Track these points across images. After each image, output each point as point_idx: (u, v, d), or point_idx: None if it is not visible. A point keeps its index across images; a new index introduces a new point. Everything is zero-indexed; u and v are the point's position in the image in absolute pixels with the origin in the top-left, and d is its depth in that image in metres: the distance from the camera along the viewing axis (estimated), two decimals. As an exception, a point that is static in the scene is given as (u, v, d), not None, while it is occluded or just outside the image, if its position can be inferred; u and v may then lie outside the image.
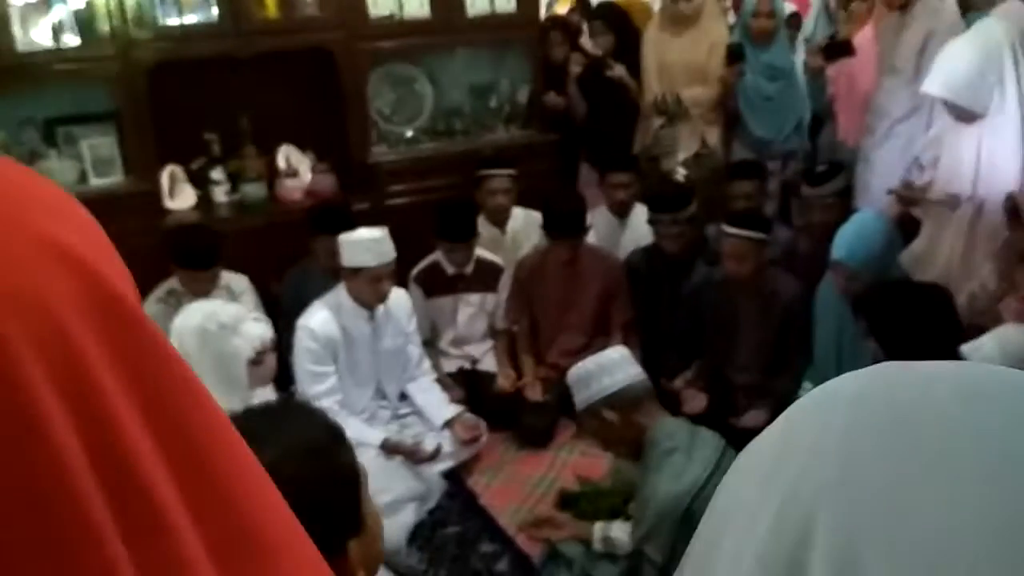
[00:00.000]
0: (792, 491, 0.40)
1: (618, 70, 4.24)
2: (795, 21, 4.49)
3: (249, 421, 1.19)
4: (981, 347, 2.28)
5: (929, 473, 0.38)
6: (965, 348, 2.29)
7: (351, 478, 1.17)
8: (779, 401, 3.24)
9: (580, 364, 2.37)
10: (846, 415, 0.42)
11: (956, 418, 0.39)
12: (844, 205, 3.48)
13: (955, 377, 0.42)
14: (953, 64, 2.78)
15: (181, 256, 3.32)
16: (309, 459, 1.13)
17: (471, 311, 3.81)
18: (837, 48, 4.03)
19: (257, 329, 2.49)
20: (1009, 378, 0.42)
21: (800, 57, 4.47)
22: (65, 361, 0.36)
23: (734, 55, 4.08)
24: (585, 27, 4.72)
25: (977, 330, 2.60)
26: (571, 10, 4.84)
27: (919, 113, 3.24)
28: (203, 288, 3.34)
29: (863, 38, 3.91)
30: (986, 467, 0.37)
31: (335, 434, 1.20)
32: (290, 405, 1.37)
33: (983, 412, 0.39)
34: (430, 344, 3.75)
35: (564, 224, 3.57)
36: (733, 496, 0.46)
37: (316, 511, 1.11)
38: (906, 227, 3.17)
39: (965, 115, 2.82)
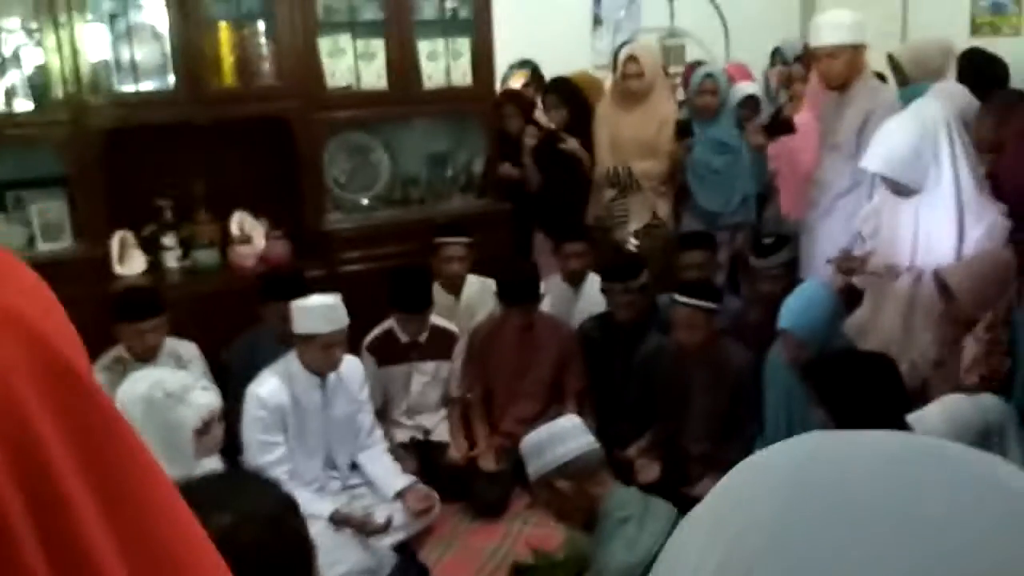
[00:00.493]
0: (728, 556, 0.42)
1: (571, 143, 4.34)
2: (751, 103, 4.64)
3: (205, 487, 1.18)
4: (926, 416, 2.32)
5: (856, 542, 0.40)
6: (911, 417, 2.33)
7: (306, 548, 1.16)
8: (730, 469, 3.25)
9: (533, 433, 2.37)
10: (779, 485, 0.43)
11: (881, 489, 0.41)
12: (790, 276, 3.56)
13: (881, 447, 0.44)
14: (891, 141, 2.90)
15: (123, 309, 3.28)
16: (266, 526, 1.12)
17: (425, 380, 3.79)
18: (778, 126, 4.17)
19: (204, 398, 2.45)
20: (930, 448, 0.44)
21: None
22: (10, 424, 0.36)
23: (683, 131, 4.21)
24: (539, 101, 4.83)
25: (920, 397, 2.67)
26: (525, 84, 4.96)
27: (860, 187, 3.35)
28: (149, 350, 3.29)
29: (804, 117, 4.05)
30: (910, 535, 0.39)
31: (290, 503, 1.19)
32: (245, 473, 1.37)
33: (906, 481, 0.42)
34: (382, 414, 3.71)
35: (518, 292, 3.60)
36: (674, 559, 0.47)
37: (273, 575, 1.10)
38: (850, 297, 3.25)
39: (903, 190, 2.92)
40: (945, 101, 3.05)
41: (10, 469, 0.35)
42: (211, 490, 1.16)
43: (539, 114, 4.82)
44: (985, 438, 2.24)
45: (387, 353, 3.72)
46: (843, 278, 3.27)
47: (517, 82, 4.89)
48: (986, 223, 2.82)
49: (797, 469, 0.44)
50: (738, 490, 0.46)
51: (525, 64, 4.96)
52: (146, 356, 3.31)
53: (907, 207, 2.94)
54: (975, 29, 5.45)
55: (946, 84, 3.56)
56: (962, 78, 3.82)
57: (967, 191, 2.83)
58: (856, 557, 0.39)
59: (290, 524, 1.17)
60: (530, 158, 4.47)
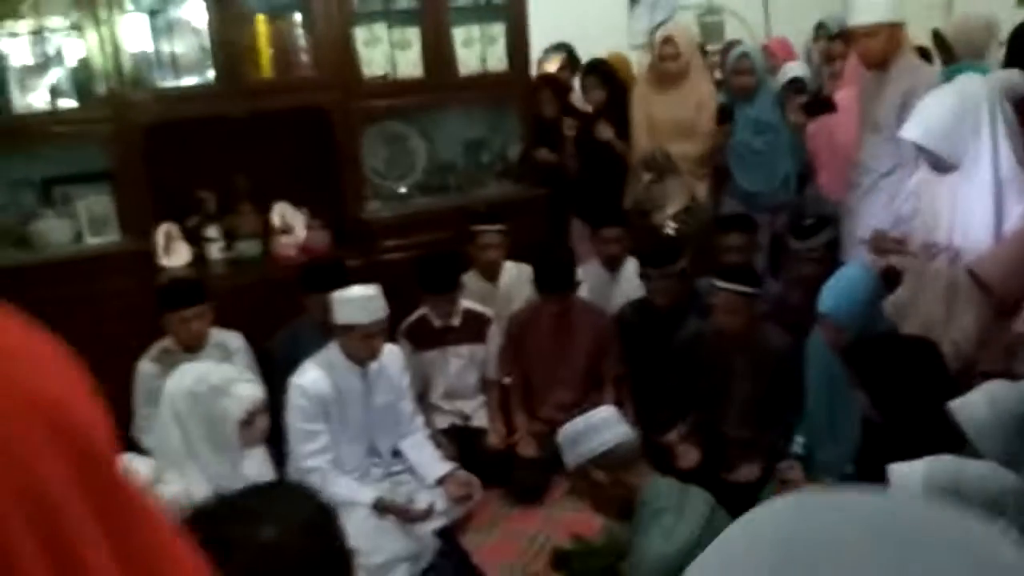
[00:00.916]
0: None
1: (606, 132, 4.32)
2: (798, 84, 4.57)
3: (250, 500, 1.21)
4: (969, 403, 2.28)
5: None
6: (954, 404, 2.29)
7: (346, 555, 1.20)
8: (770, 455, 3.24)
9: (569, 424, 2.38)
10: (763, 555, 0.45)
11: (858, 564, 0.42)
12: (831, 258, 3.52)
13: (868, 519, 0.45)
14: (931, 112, 2.84)
15: (168, 298, 3.35)
16: (309, 537, 1.16)
17: (461, 363, 3.82)
18: (819, 105, 4.10)
19: (248, 390, 2.50)
20: (919, 519, 0.44)
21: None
22: (42, 513, 0.38)
23: (724, 116, 4.17)
24: (576, 84, 4.81)
25: (965, 382, 2.62)
26: (560, 68, 4.92)
27: (902, 168, 3.28)
28: (195, 338, 3.36)
29: (845, 95, 3.98)
30: None
31: (329, 512, 1.23)
32: (285, 484, 1.40)
33: (884, 558, 0.42)
34: (421, 399, 3.75)
35: (554, 280, 3.60)
36: None
37: None
38: (891, 279, 3.19)
39: (940, 164, 2.86)
40: (990, 78, 2.98)
41: (40, 553, 0.38)
42: (255, 502, 1.19)
43: (575, 98, 4.80)
44: (1029, 425, 2.20)
45: (422, 338, 3.76)
46: (882, 259, 3.22)
47: (552, 66, 4.86)
48: None
49: (782, 538, 0.45)
50: (723, 556, 0.47)
51: (560, 47, 4.92)
52: (193, 346, 3.39)
53: (945, 185, 2.88)
54: (1021, 2, 5.28)
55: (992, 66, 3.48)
56: (1011, 53, 3.72)
57: (1006, 168, 2.76)
58: None
59: (332, 533, 1.20)
60: (572, 146, 4.45)
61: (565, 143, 4.46)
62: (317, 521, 1.20)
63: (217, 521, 1.16)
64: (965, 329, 2.86)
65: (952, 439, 2.26)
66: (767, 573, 0.44)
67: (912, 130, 2.86)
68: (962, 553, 0.42)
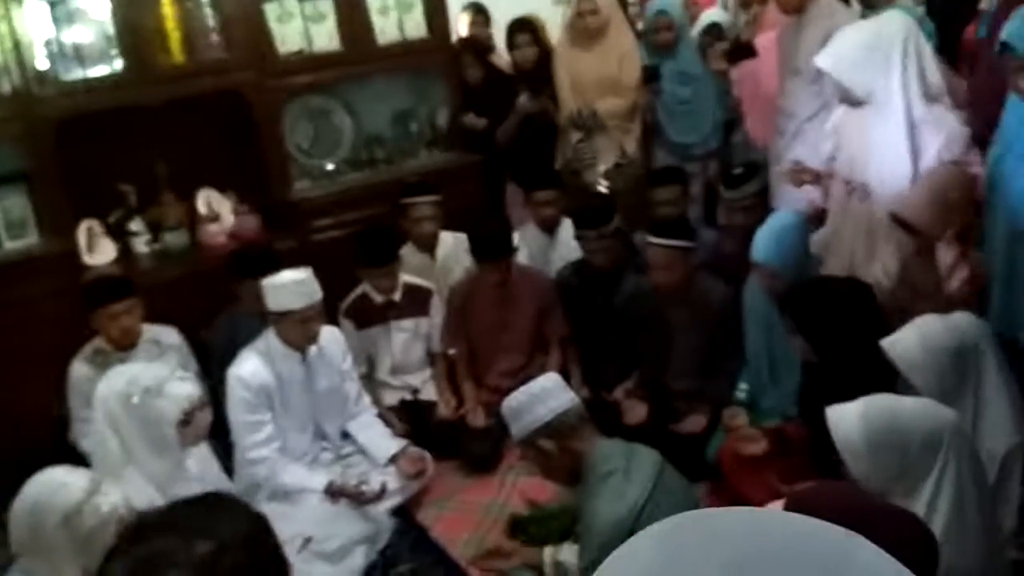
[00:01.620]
0: None
1: (532, 103, 4.26)
2: (715, 31, 4.58)
3: (180, 513, 1.18)
4: (902, 339, 2.32)
5: None
6: (886, 341, 2.34)
7: (283, 566, 1.18)
8: (716, 404, 3.29)
9: (512, 395, 2.37)
10: None
11: None
12: (764, 205, 3.54)
13: (735, 551, 0.45)
14: (845, 43, 2.86)
15: (94, 295, 3.27)
16: (246, 549, 1.13)
17: (405, 337, 3.79)
18: (740, 51, 4.11)
19: (183, 389, 2.45)
20: (780, 551, 0.44)
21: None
22: None
23: (649, 76, 4.16)
24: (496, 44, 4.75)
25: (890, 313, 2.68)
26: (472, 23, 4.82)
27: (825, 111, 3.31)
28: (127, 335, 3.28)
29: (765, 39, 3.99)
30: None
31: (263, 522, 1.20)
32: (218, 495, 1.37)
33: None
34: (368, 376, 3.72)
35: (491, 248, 3.57)
36: None
37: None
38: (819, 219, 3.24)
39: (850, 97, 2.89)
40: (910, 18, 2.99)
41: None
42: (190, 516, 1.17)
43: (496, 57, 4.74)
44: (961, 358, 2.25)
45: (364, 315, 3.71)
46: (812, 202, 3.25)
47: (463, 24, 4.78)
48: (944, 134, 2.79)
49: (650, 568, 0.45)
50: None
51: (468, 6, 4.84)
52: (125, 343, 3.30)
53: (860, 123, 2.91)
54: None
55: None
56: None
57: (917, 106, 2.79)
58: None
59: (267, 544, 1.18)
60: (516, 121, 4.37)
61: (507, 116, 4.38)
62: (252, 533, 1.17)
63: (151, 536, 1.13)
64: (886, 266, 2.91)
65: (888, 376, 2.31)
66: None
67: (824, 59, 2.88)
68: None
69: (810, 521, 0.46)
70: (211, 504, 1.25)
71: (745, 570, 0.43)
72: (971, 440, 2.01)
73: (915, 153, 2.77)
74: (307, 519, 2.91)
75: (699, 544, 0.46)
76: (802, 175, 3.14)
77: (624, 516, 2.14)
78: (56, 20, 3.64)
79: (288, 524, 2.86)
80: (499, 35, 4.79)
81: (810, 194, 3.18)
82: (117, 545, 1.14)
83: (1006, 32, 2.43)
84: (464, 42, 4.65)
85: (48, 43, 3.64)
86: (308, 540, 2.81)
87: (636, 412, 3.38)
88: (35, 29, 3.56)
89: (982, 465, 2.00)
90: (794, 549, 0.44)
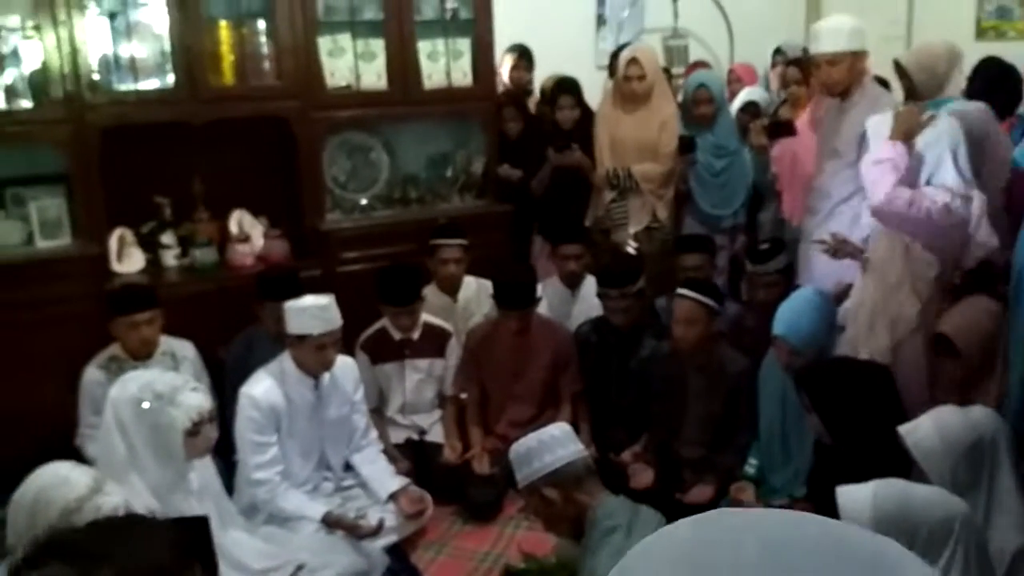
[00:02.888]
0: None
1: (576, 156, 4.32)
2: (752, 109, 4.64)
3: (92, 536, 1.12)
4: (919, 427, 2.30)
5: None
6: (903, 429, 2.31)
7: None
8: (725, 476, 3.25)
9: (522, 440, 2.35)
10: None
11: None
12: (787, 281, 3.54)
13: (765, 543, 0.45)
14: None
15: (118, 303, 3.29)
16: None
17: (419, 377, 3.79)
18: (780, 128, 4.15)
19: (195, 399, 2.46)
20: (816, 539, 0.44)
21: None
22: None
23: (685, 147, 4.21)
24: (534, 86, 4.82)
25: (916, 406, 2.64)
26: (514, 67, 4.90)
27: (861, 194, 3.32)
28: (145, 345, 3.31)
29: (805, 120, 4.03)
30: None
31: (182, 556, 1.11)
32: (143, 521, 1.28)
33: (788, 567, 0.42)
34: (378, 412, 3.72)
35: (515, 296, 3.59)
36: None
37: None
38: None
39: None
40: (960, 121, 2.96)
41: None
42: (97, 540, 1.09)
43: (533, 105, 4.82)
44: (977, 452, 2.23)
45: (380, 351, 3.72)
46: (840, 283, 3.24)
47: (505, 67, 4.86)
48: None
49: (679, 564, 0.45)
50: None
51: (513, 48, 4.92)
52: (142, 353, 3.33)
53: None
54: (980, 33, 5.42)
55: (965, 104, 3.52)
56: (973, 86, 3.78)
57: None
58: None
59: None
60: (548, 171, 4.43)
61: (540, 168, 4.44)
62: (163, 565, 1.08)
63: (46, 561, 1.05)
64: (880, 343, 2.91)
65: (901, 463, 2.28)
66: None
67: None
68: (864, 569, 0.42)
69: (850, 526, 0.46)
70: (129, 530, 1.16)
71: (783, 551, 0.43)
72: (982, 533, 1.98)
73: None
74: (302, 546, 2.89)
75: (737, 526, 0.46)
76: (844, 246, 3.13)
77: (621, 576, 2.10)
78: (115, 31, 3.75)
79: (283, 549, 2.85)
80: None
81: (842, 272, 3.17)
82: (15, 567, 1.06)
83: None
84: (507, 94, 4.73)
85: (104, 54, 3.74)
86: (301, 567, 2.78)
87: (643, 476, 3.34)
88: (93, 39, 3.67)
89: (990, 561, 1.96)
90: (833, 536, 0.44)
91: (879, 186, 2.76)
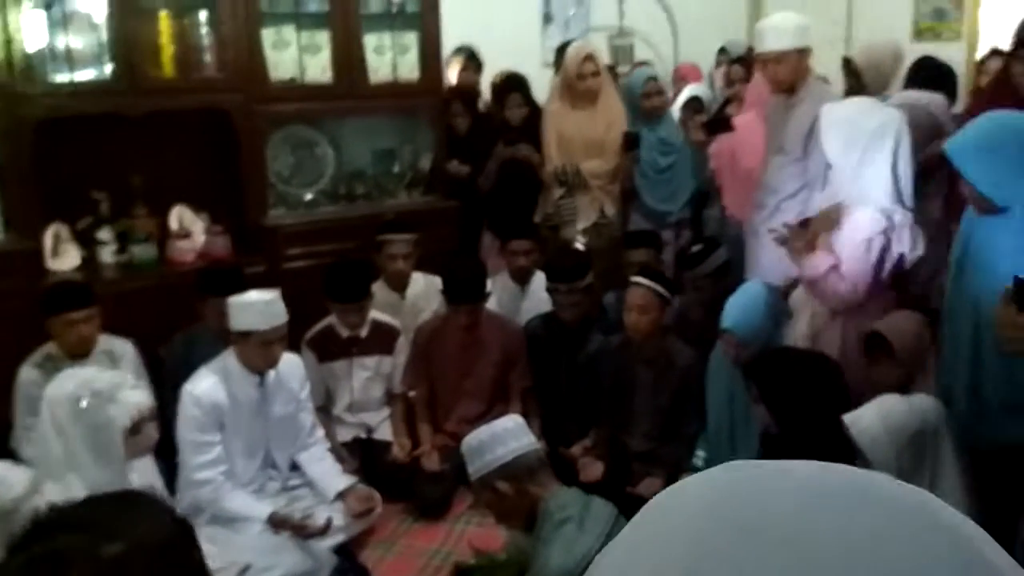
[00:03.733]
0: None
1: (524, 149, 4.31)
2: (695, 104, 4.69)
3: (97, 511, 1.10)
4: (863, 416, 2.34)
5: (772, 572, 0.38)
6: (848, 417, 2.35)
7: None
8: (673, 468, 3.27)
9: (473, 433, 2.33)
10: (693, 520, 0.42)
11: (802, 521, 0.40)
12: (723, 280, 3.57)
13: (804, 481, 0.43)
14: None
15: (53, 301, 3.18)
16: (157, 556, 1.04)
17: (366, 375, 3.74)
18: (718, 124, 4.20)
19: (135, 397, 2.38)
20: (856, 481, 0.42)
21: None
22: None
23: (631, 143, 4.23)
24: (481, 86, 4.80)
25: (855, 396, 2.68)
26: (463, 69, 4.87)
27: (807, 190, 3.36)
28: (82, 343, 3.20)
29: (745, 117, 4.07)
30: (830, 567, 0.38)
31: (186, 531, 1.12)
32: (139, 495, 1.27)
33: (828, 514, 0.40)
34: (325, 411, 3.66)
35: (464, 291, 3.56)
36: None
37: None
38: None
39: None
40: (903, 112, 3.00)
41: None
42: (103, 514, 1.08)
43: (483, 105, 4.80)
44: (920, 439, 2.27)
45: (327, 348, 3.66)
46: (788, 277, 3.27)
47: (453, 69, 4.83)
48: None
49: (714, 502, 0.43)
50: (653, 524, 0.44)
51: (461, 50, 4.89)
52: (78, 352, 3.22)
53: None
54: (917, 34, 5.55)
55: (909, 93, 3.58)
56: (913, 84, 3.87)
57: (899, 212, 2.84)
58: None
59: (186, 553, 1.09)
60: (495, 165, 4.41)
61: (488, 162, 4.43)
62: (170, 540, 1.08)
63: (57, 533, 1.04)
64: (800, 329, 2.97)
65: (846, 451, 2.31)
66: (695, 535, 0.41)
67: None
68: (909, 514, 0.40)
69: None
70: (131, 504, 1.14)
71: (820, 496, 0.41)
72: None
73: (881, 257, 2.81)
74: (247, 547, 2.83)
75: (773, 473, 0.44)
76: (796, 236, 3.14)
77: (572, 568, 2.10)
78: (51, 20, 3.63)
79: (228, 550, 2.79)
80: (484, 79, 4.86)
81: (789, 266, 3.21)
82: (20, 539, 1.05)
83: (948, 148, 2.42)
84: (455, 91, 4.70)
85: (39, 44, 3.62)
86: (246, 568, 2.73)
87: (592, 469, 3.35)
88: (28, 28, 3.54)
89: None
90: (865, 479, 0.43)
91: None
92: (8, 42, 3.47)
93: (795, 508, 0.41)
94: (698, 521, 0.42)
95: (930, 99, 3.45)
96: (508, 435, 2.29)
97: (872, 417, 2.33)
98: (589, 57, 4.21)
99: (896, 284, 2.94)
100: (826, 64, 4.16)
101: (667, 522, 0.43)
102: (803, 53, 3.42)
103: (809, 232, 2.92)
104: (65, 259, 3.79)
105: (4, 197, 3.66)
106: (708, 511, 0.42)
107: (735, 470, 0.45)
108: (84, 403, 2.34)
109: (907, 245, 2.83)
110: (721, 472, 0.45)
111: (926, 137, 3.16)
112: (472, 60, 4.85)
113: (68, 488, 2.27)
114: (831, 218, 2.90)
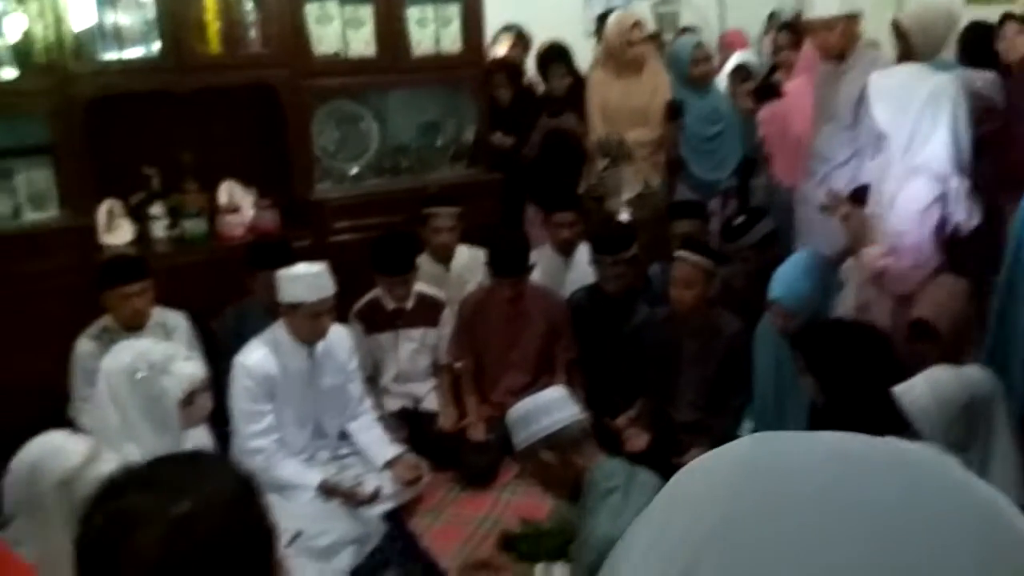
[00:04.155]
0: (681, 537, 0.44)
1: (570, 120, 4.29)
2: (742, 72, 4.61)
3: (165, 470, 1.14)
4: (913, 388, 2.31)
5: (802, 527, 0.40)
6: (898, 388, 2.32)
7: (267, 533, 1.12)
8: (719, 439, 3.26)
9: (519, 404, 2.36)
10: (731, 475, 0.45)
11: (830, 479, 0.42)
12: (767, 251, 3.53)
13: (832, 445, 0.45)
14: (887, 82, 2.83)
15: (109, 274, 3.26)
16: (226, 513, 1.07)
17: (412, 346, 3.78)
18: (766, 91, 4.13)
19: (188, 368, 2.44)
20: (884, 448, 0.44)
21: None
22: None
23: (674, 112, 4.18)
24: (528, 65, 4.78)
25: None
26: (511, 47, 4.85)
27: (859, 157, 3.31)
28: (137, 316, 3.28)
29: (795, 84, 4.00)
30: (857, 523, 0.40)
31: (252, 487, 1.14)
32: (204, 455, 1.31)
33: (854, 473, 0.42)
34: (372, 382, 3.71)
35: (508, 263, 3.57)
36: (630, 540, 0.49)
37: (231, 565, 1.07)
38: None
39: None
40: (961, 81, 2.93)
41: None
42: (171, 473, 1.11)
43: (529, 80, 4.77)
44: (971, 411, 2.23)
45: (374, 320, 3.71)
46: (840, 247, 3.22)
47: (503, 47, 4.81)
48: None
49: (746, 463, 0.45)
50: (687, 485, 0.47)
51: (510, 28, 4.87)
52: (133, 324, 3.30)
53: (893, 178, 2.89)
54: (972, -3, 5.37)
55: (971, 72, 3.49)
56: (964, 52, 3.76)
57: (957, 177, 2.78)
58: (802, 540, 0.40)
59: (251, 509, 1.12)
60: (539, 138, 4.41)
61: (532, 133, 4.42)
62: (236, 496, 1.11)
63: (126, 492, 1.07)
64: (846, 301, 2.92)
65: (896, 423, 2.29)
66: (727, 493, 0.43)
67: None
68: (934, 480, 0.42)
69: None
70: (196, 463, 1.18)
71: (850, 458, 0.43)
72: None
73: (941, 223, 2.76)
74: (299, 514, 2.89)
75: (802, 440, 0.47)
76: (840, 203, 3.10)
77: (617, 537, 2.11)
78: (100, 1, 3.69)
79: (279, 517, 2.83)
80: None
81: (840, 235, 3.16)
82: (94, 499, 1.08)
83: None
84: (497, 63, 4.68)
85: (89, 23, 3.68)
86: (298, 535, 2.78)
87: (638, 440, 3.35)
88: (77, 7, 3.60)
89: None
90: (898, 445, 0.45)
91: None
92: (58, 21, 3.53)
93: (824, 465, 0.43)
94: (734, 476, 0.45)
95: (979, 77, 3.35)
96: (553, 406, 2.31)
97: (922, 389, 2.30)
98: (637, 24, 4.16)
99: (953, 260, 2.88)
100: (877, 28, 4.06)
101: (707, 477, 0.46)
102: (853, 19, 3.35)
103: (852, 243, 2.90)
104: (119, 234, 3.87)
105: (58, 175, 3.74)
106: (744, 467, 0.45)
107: (771, 437, 0.48)
108: (140, 375, 2.41)
109: (963, 214, 2.77)
110: (757, 437, 0.48)
111: (976, 119, 3.08)
112: (521, 38, 4.83)
113: (126, 458, 2.34)
114: (864, 231, 2.88)
